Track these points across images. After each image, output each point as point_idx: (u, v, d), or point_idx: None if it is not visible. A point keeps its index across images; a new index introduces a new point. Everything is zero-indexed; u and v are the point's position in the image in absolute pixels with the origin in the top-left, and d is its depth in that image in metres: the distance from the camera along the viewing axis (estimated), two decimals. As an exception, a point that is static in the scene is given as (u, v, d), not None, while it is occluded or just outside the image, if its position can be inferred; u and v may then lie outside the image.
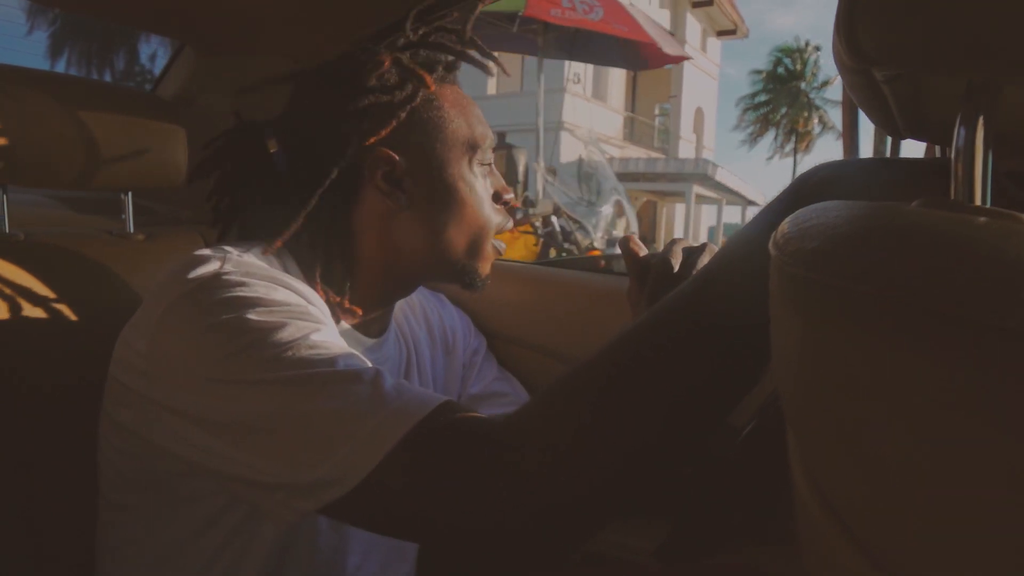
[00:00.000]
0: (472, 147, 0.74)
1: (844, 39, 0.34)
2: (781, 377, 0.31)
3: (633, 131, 19.52)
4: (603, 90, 17.84)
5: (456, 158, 0.73)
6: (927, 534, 0.23)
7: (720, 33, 22.29)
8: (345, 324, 0.74)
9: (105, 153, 0.90)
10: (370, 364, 0.55)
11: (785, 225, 0.31)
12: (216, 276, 0.56)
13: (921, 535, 0.23)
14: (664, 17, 18.83)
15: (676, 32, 18.98)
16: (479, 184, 0.74)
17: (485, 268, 0.76)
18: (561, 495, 0.46)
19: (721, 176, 14.78)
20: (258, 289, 0.56)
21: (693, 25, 20.19)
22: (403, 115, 0.69)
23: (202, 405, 0.52)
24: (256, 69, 1.19)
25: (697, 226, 18.75)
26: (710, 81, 22.59)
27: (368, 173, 0.70)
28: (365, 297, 0.74)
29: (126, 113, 0.93)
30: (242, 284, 0.56)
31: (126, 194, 0.99)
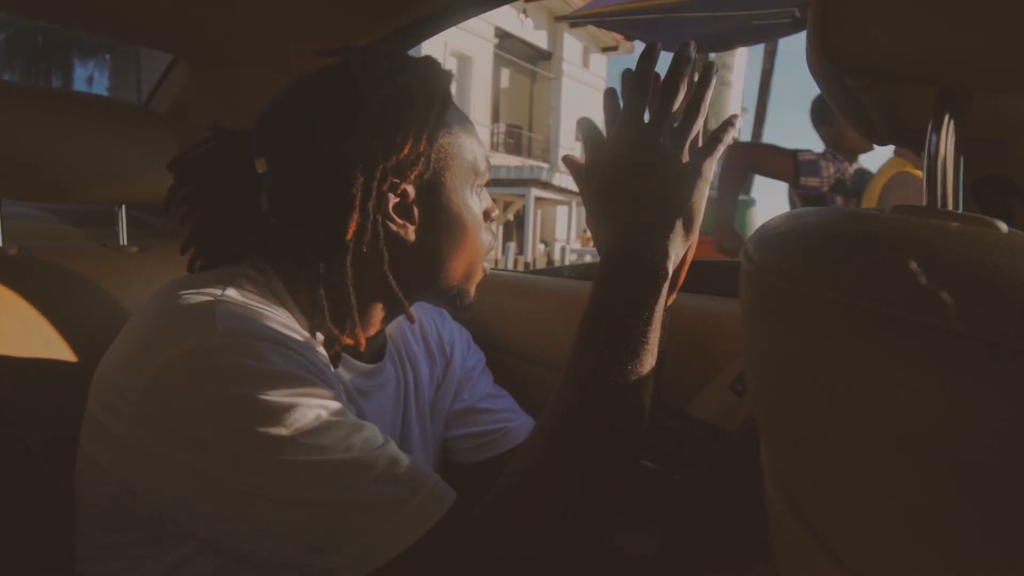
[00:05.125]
0: (476, 172, 0.71)
1: (816, 49, 0.34)
2: (752, 384, 0.31)
3: (519, 142, 21.00)
4: (466, 106, 20.03)
5: (462, 185, 0.70)
6: (893, 537, 0.24)
7: (604, 49, 23.88)
8: (341, 353, 0.72)
9: (98, 167, 0.90)
10: (380, 435, 0.56)
11: (755, 233, 0.31)
12: (215, 334, 0.53)
13: (887, 538, 0.24)
14: (542, 37, 20.20)
15: (555, 51, 20.48)
16: (478, 208, 0.72)
17: (474, 289, 0.75)
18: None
19: (559, 180, 16.38)
20: (262, 354, 0.54)
21: (573, 43, 21.68)
22: (425, 143, 0.65)
23: (210, 468, 0.52)
24: (250, 82, 1.19)
25: (552, 225, 20.31)
26: (594, 93, 24.13)
27: (380, 203, 0.65)
28: (359, 325, 0.70)
29: (119, 127, 0.93)
30: (246, 349, 0.53)
31: (120, 207, 0.99)
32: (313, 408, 0.53)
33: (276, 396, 0.52)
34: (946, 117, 0.35)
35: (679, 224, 0.61)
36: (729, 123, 0.66)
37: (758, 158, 2.44)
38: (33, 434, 0.77)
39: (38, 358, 0.80)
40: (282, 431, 0.51)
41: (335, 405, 0.55)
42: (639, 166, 0.61)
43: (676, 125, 0.63)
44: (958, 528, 0.21)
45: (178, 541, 0.59)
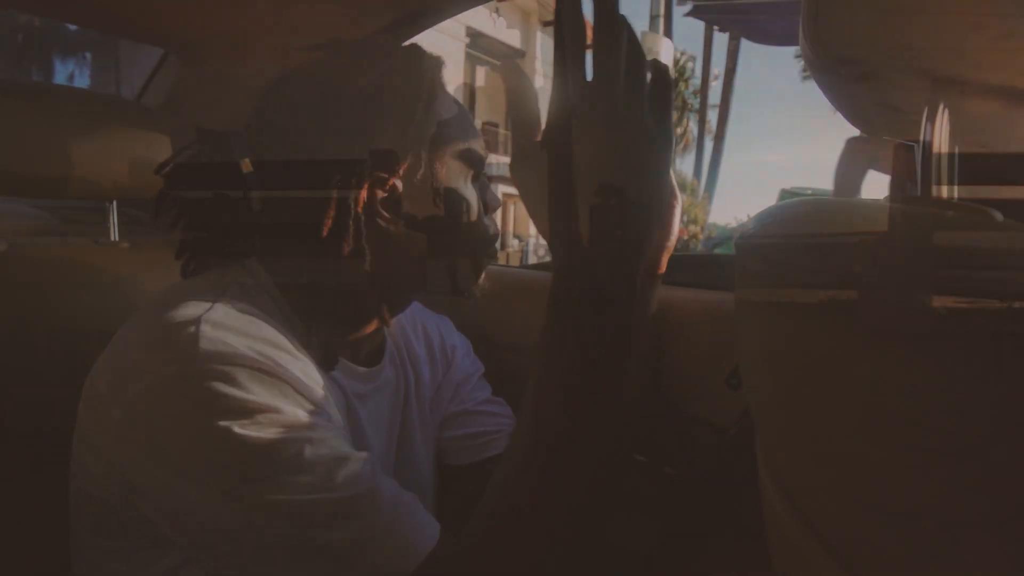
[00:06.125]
0: (470, 163, 0.68)
1: (810, 39, 0.34)
2: (747, 377, 0.31)
3: (495, 139, 21.18)
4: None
5: (455, 177, 0.67)
6: (891, 532, 0.24)
7: (581, 47, 24.23)
8: (337, 356, 0.69)
9: (88, 162, 0.89)
10: (367, 466, 0.54)
11: (749, 225, 0.31)
12: (196, 359, 0.51)
13: (884, 533, 0.24)
14: (515, 36, 20.03)
15: (528, 50, 20.20)
16: (474, 200, 0.69)
17: (480, 279, 0.73)
18: None
19: (529, 177, 16.91)
20: (243, 383, 0.52)
21: (546, 42, 21.58)
22: (412, 134, 0.62)
23: (185, 499, 0.52)
24: (242, 77, 1.19)
25: (527, 221, 20.14)
26: (570, 92, 24.51)
27: (361, 198, 0.61)
28: (354, 325, 0.70)
29: (110, 122, 0.92)
30: (228, 377, 0.51)
31: (111, 203, 0.99)
32: (293, 444, 0.51)
33: (255, 431, 0.50)
34: (941, 106, 0.35)
35: (654, 200, 0.50)
36: (660, 68, 0.51)
37: (881, 153, 2.32)
38: (24, 433, 0.76)
39: (29, 356, 0.79)
40: (260, 469, 0.50)
41: (318, 435, 0.53)
42: (593, 137, 0.48)
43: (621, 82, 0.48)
44: (958, 524, 0.21)
45: (175, 545, 0.58)
